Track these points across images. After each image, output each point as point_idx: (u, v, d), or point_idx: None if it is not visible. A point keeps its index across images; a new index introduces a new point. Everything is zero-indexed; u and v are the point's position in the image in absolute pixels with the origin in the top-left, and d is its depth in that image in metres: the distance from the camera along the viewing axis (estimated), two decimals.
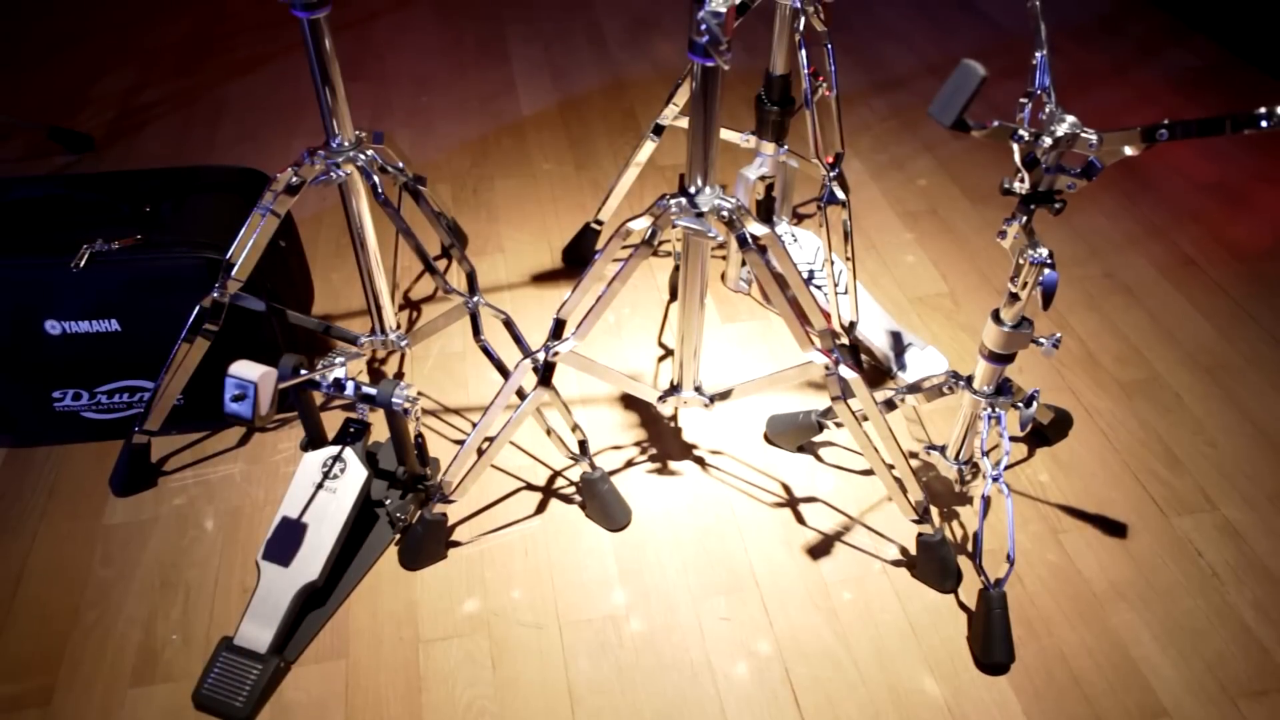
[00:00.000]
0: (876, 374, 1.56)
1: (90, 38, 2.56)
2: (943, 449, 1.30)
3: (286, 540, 1.20)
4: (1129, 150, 1.02)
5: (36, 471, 1.40)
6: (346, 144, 1.21)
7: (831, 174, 1.42)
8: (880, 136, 2.17)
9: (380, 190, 1.20)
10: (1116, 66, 2.48)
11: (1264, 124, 0.94)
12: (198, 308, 1.26)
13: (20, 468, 1.40)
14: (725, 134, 1.50)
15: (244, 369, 1.03)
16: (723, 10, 0.91)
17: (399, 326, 1.44)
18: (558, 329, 1.12)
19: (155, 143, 2.14)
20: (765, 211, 1.61)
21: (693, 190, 1.05)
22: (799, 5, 1.35)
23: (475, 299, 1.34)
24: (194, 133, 2.18)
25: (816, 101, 1.40)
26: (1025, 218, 1.06)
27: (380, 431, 1.40)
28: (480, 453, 1.20)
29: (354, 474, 1.23)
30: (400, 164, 1.30)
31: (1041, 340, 1.13)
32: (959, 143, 2.14)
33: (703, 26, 0.91)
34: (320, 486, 1.23)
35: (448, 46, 2.52)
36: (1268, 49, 2.49)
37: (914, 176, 2.04)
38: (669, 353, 1.60)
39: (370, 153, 1.22)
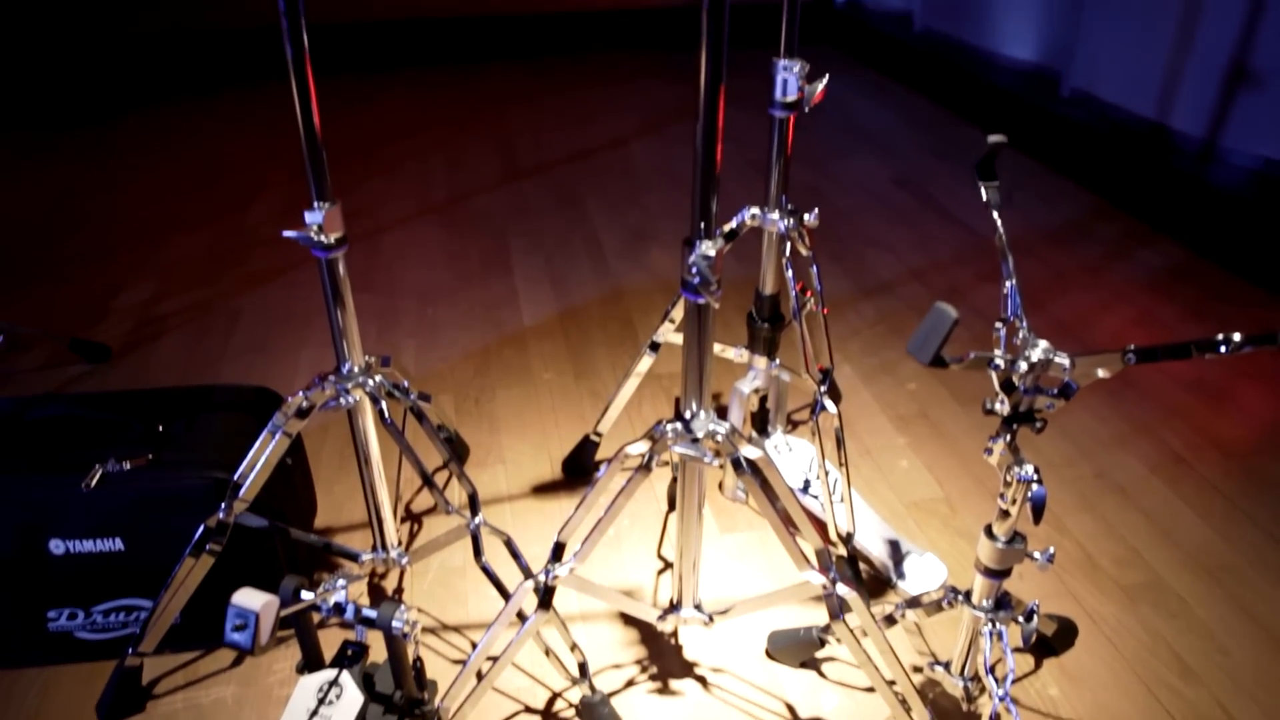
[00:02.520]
0: (876, 583, 1.55)
1: (116, 254, 2.70)
2: (947, 664, 1.28)
3: None
4: (1102, 373, 1.07)
5: (20, 696, 1.37)
6: (356, 369, 1.27)
7: (822, 388, 1.47)
8: (869, 341, 2.25)
9: (387, 415, 1.25)
10: (1090, 269, 2.60)
11: (1223, 349, 1.00)
12: (202, 527, 1.27)
13: (3, 693, 1.37)
14: (719, 350, 1.57)
15: (247, 598, 1.03)
16: (712, 254, 0.98)
17: (400, 543, 1.45)
18: (558, 551, 1.14)
19: (170, 352, 2.22)
20: (760, 422, 1.66)
21: (688, 415, 1.09)
22: (784, 231, 1.45)
23: (477, 520, 1.36)
24: (207, 343, 2.26)
25: (805, 316, 1.47)
26: (1009, 436, 1.10)
27: (378, 651, 1.38)
28: (480, 676, 1.19)
29: (350, 700, 1.20)
30: (405, 383, 1.35)
31: (1035, 555, 1.15)
32: (948, 343, 2.22)
33: (694, 269, 0.98)
34: (315, 713, 1.20)
35: (453, 258, 2.66)
36: (1228, 249, 2.63)
37: (904, 380, 2.10)
38: (668, 565, 1.60)
39: (378, 378, 1.28)
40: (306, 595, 1.17)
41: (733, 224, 1.46)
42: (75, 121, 3.87)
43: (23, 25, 4.08)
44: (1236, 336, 1.01)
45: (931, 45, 4.34)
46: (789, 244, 1.45)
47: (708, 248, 0.97)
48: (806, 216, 1.45)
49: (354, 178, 3.20)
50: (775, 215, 1.45)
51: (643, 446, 1.09)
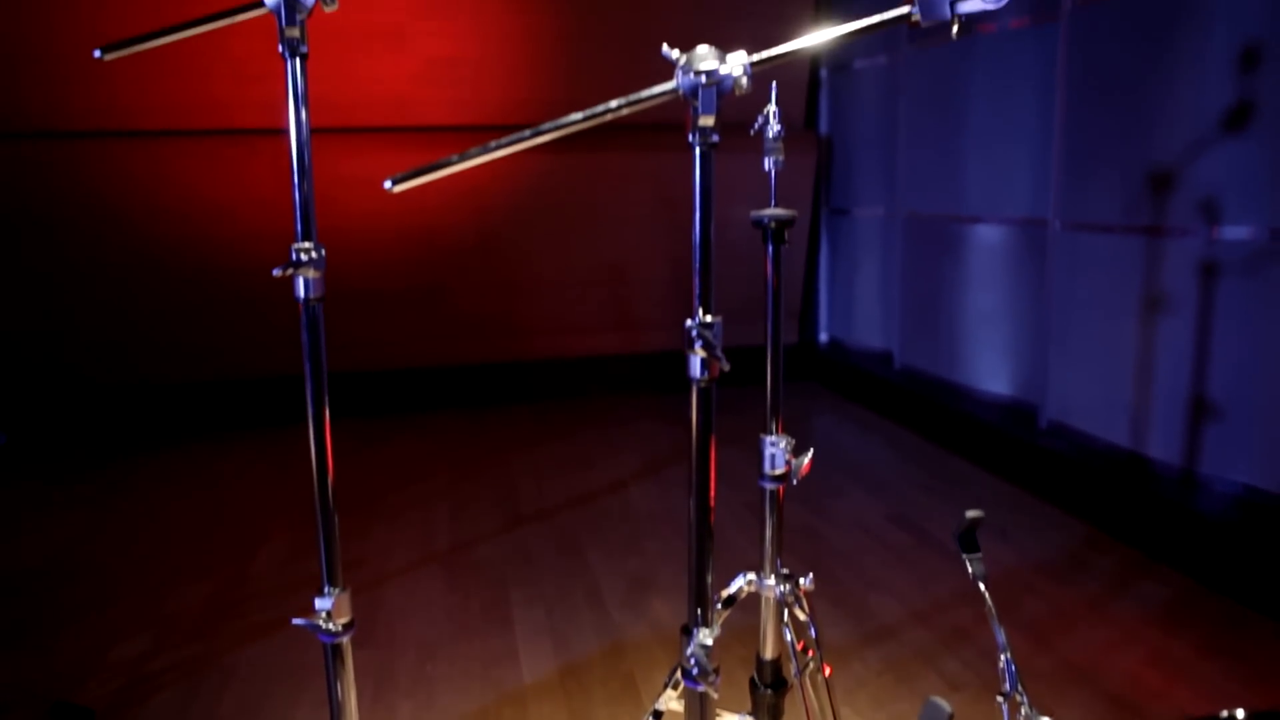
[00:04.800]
0: None
1: (115, 604, 2.69)
2: None
3: None
4: None
5: None
6: None
7: None
8: (876, 694, 2.19)
9: None
10: (1093, 603, 2.59)
11: None
12: None
13: None
14: (723, 717, 1.54)
15: None
16: (710, 643, 1.01)
17: None
18: None
19: (157, 716, 2.14)
20: None
21: None
22: (781, 597, 1.48)
23: None
24: (198, 705, 2.19)
25: (808, 676, 1.46)
26: None
27: None
28: None
29: None
30: None
31: None
32: (957, 694, 2.16)
33: (692, 660, 1.00)
34: None
35: (454, 610, 2.65)
36: (1229, 577, 2.63)
37: None
38: None
39: None
40: None
41: (730, 590, 1.49)
42: (87, 467, 4.01)
43: (36, 371, 4.36)
44: (1240, 714, 1.01)
45: (912, 381, 4.63)
46: (787, 610, 1.48)
47: (705, 636, 1.00)
48: (802, 581, 1.49)
49: (358, 525, 3.27)
50: (771, 581, 1.48)
51: None
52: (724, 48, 0.93)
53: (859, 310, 5.23)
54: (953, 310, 4.33)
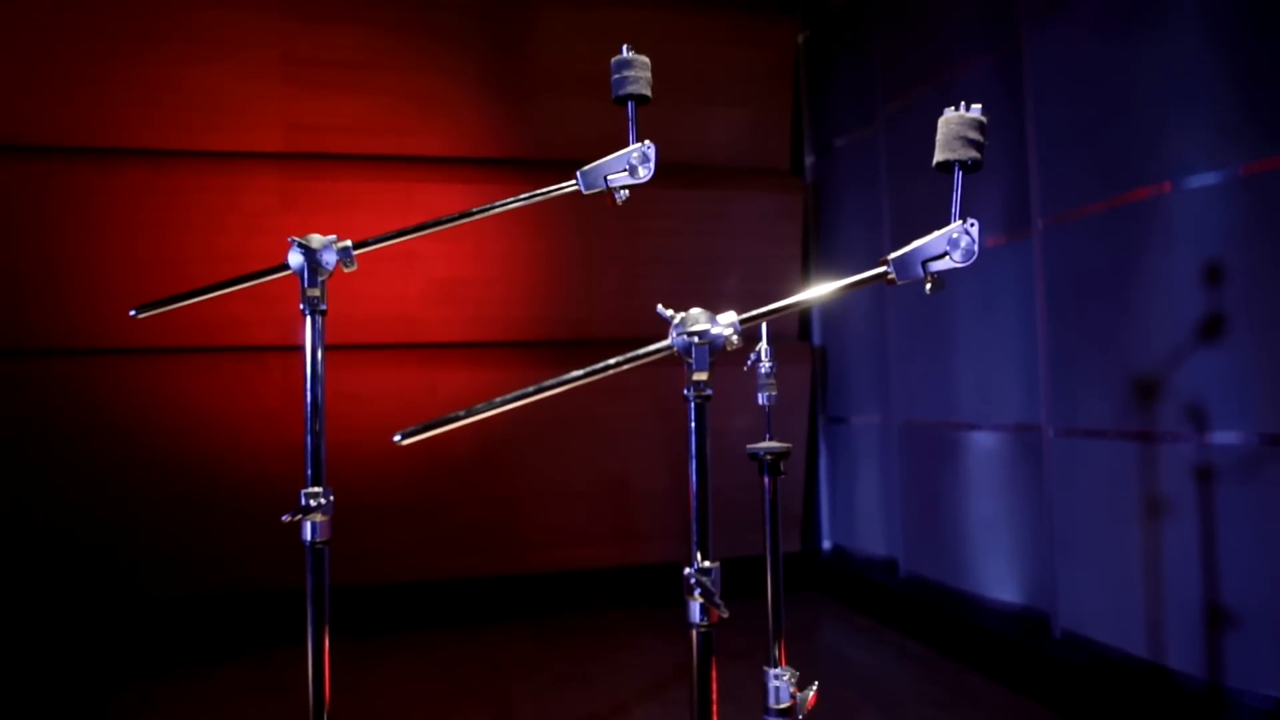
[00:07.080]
0: None
1: None
2: None
3: None
4: None
5: None
6: None
7: None
8: None
9: None
10: None
11: None
12: None
13: None
14: None
15: None
16: None
17: None
18: None
19: None
20: None
21: None
22: None
23: None
24: None
25: None
26: None
27: None
28: None
29: None
30: None
31: None
32: None
33: None
34: None
35: None
36: None
37: None
38: None
39: None
40: None
41: None
42: (75, 690, 3.85)
43: (29, 591, 4.27)
44: None
45: (918, 589, 4.54)
46: None
47: None
48: None
49: None
50: None
51: None
52: (717, 292, 1.00)
53: (861, 517, 5.21)
54: (955, 516, 4.32)
